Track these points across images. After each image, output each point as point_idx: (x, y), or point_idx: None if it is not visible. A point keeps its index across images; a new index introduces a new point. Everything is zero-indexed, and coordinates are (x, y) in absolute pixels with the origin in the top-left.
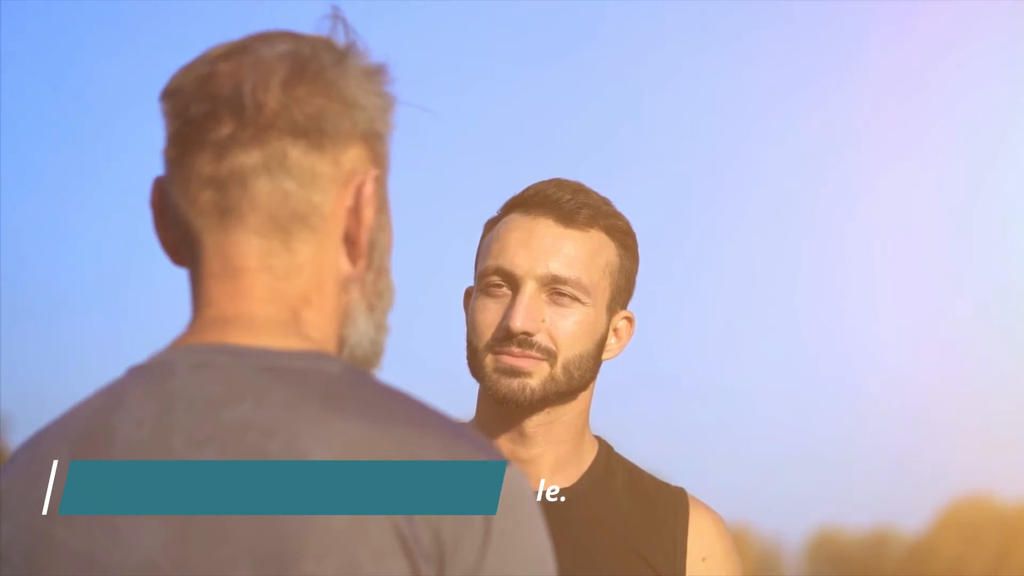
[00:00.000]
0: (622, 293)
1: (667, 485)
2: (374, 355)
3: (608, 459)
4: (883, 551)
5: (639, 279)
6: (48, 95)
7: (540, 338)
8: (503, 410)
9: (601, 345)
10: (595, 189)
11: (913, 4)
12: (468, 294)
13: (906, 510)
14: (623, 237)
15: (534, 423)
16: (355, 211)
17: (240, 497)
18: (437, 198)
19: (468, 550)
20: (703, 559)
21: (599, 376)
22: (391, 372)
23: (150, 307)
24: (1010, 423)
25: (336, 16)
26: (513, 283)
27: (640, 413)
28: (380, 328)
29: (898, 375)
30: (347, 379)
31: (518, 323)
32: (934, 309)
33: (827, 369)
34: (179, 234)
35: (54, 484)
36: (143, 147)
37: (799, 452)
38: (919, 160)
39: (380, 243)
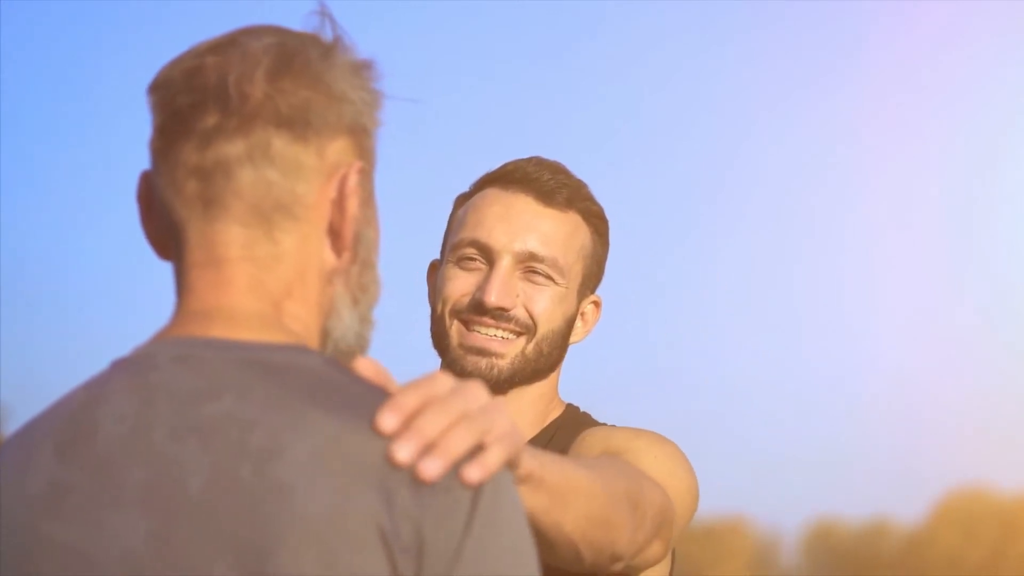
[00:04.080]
0: (593, 278)
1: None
2: (359, 348)
3: (561, 426)
4: (880, 543)
5: (639, 274)
6: (52, 89)
7: (518, 312)
8: None
9: (570, 326)
10: (596, 185)
11: (913, 3)
12: (433, 267)
13: (903, 502)
14: (597, 222)
15: None
16: (339, 202)
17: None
18: (434, 194)
19: (447, 544)
20: (583, 437)
21: (593, 376)
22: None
23: (152, 299)
24: (1006, 416)
25: (323, 13)
26: (489, 257)
27: (639, 406)
28: (365, 321)
29: (895, 369)
30: (328, 374)
31: (493, 297)
32: (932, 305)
33: (825, 363)
34: (165, 225)
35: (39, 478)
36: (147, 140)
37: (797, 445)
38: (919, 159)
39: (366, 237)
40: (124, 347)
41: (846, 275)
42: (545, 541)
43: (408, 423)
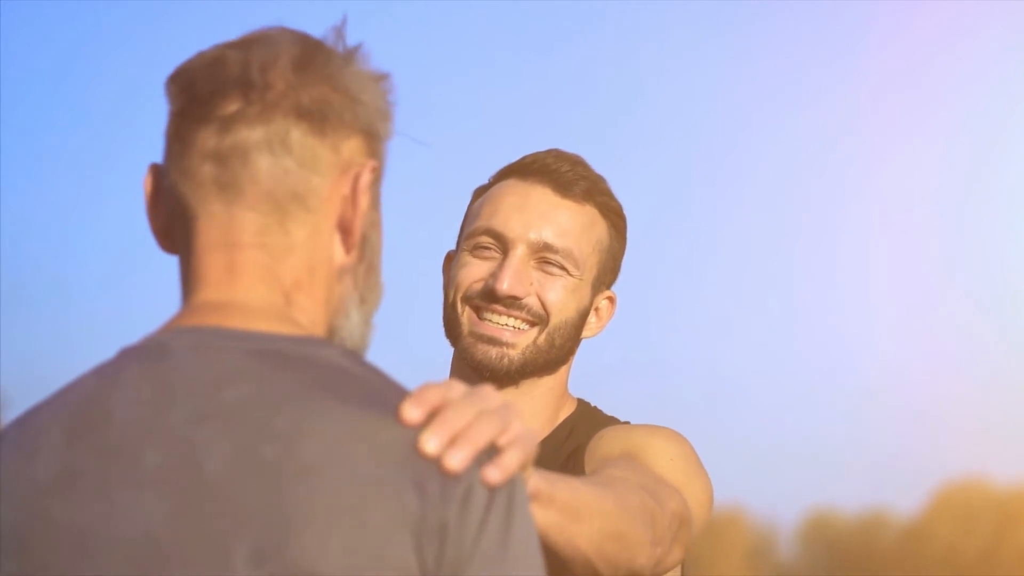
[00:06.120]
0: (608, 273)
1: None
2: (361, 348)
3: (575, 423)
4: (877, 534)
5: (636, 265)
6: (54, 78)
7: (530, 301)
8: (474, 378)
9: (583, 319)
10: (600, 173)
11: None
12: (449, 258)
13: (900, 493)
14: (615, 218)
15: (505, 396)
16: (351, 198)
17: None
18: (434, 187)
19: (467, 532)
20: (600, 437)
21: (590, 367)
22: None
23: (152, 288)
24: (1003, 408)
25: (340, 32)
26: (504, 246)
27: (635, 397)
28: (367, 324)
29: (893, 361)
30: (346, 366)
31: (505, 285)
32: (929, 297)
33: (822, 355)
34: (173, 213)
35: (49, 463)
36: (150, 130)
37: (794, 436)
38: (916, 151)
39: (371, 240)
40: (124, 336)
41: (843, 267)
42: (560, 558)
43: (432, 416)
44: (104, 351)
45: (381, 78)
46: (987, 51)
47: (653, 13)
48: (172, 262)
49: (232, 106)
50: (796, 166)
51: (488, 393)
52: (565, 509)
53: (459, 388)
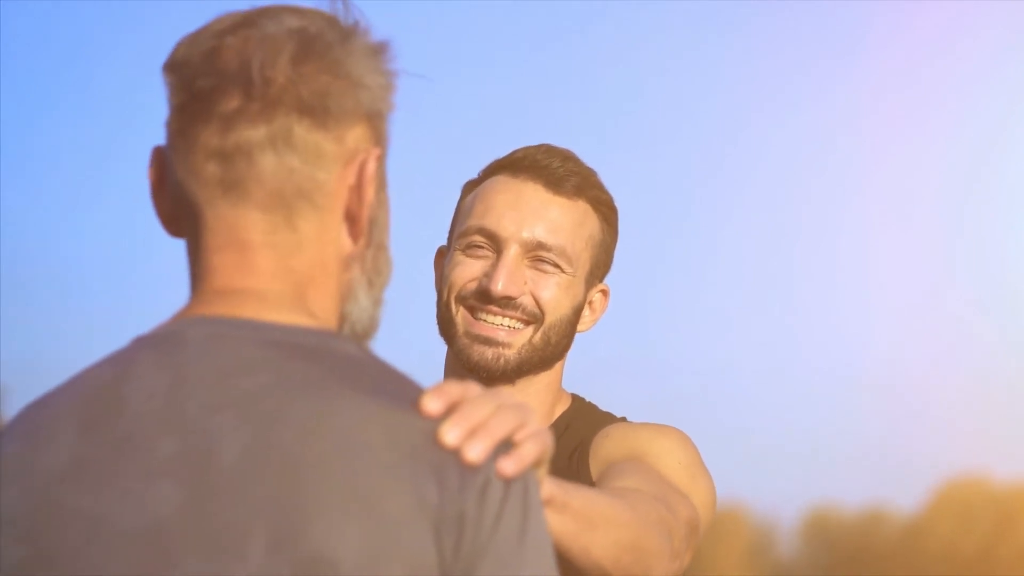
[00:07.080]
0: (601, 267)
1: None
2: (372, 328)
3: (572, 420)
4: (877, 531)
5: (635, 263)
6: (55, 78)
7: (525, 300)
8: (470, 379)
9: (578, 315)
10: (593, 167)
11: None
12: (440, 253)
13: (900, 490)
14: (607, 211)
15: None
16: (357, 189)
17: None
18: (435, 182)
19: (484, 522)
20: (605, 436)
21: (588, 362)
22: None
23: (154, 282)
24: (1003, 405)
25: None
26: (497, 245)
27: (634, 393)
28: (377, 303)
29: (893, 357)
30: (362, 359)
31: (499, 286)
32: (928, 291)
33: (822, 351)
34: (179, 205)
35: (62, 452)
36: (151, 127)
37: (794, 433)
38: (916, 148)
39: (379, 220)
40: (124, 332)
41: (843, 266)
42: (575, 567)
43: (452, 408)
44: (103, 347)
45: (381, 49)
46: (987, 51)
47: (653, 13)
48: (171, 259)
49: (232, 103)
50: (796, 165)
51: (505, 393)
52: (580, 517)
53: (477, 387)
